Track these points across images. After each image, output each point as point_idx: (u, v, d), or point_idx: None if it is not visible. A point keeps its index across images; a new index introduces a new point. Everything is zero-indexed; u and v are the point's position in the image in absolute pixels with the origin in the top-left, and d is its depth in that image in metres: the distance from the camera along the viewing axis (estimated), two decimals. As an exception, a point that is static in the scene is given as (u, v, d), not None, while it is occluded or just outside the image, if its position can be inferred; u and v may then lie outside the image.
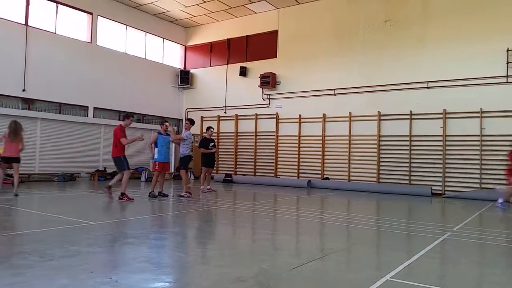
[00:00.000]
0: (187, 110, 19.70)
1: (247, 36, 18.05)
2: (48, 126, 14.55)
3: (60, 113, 15.16)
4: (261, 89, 17.16)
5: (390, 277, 3.80)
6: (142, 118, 18.28)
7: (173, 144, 12.50)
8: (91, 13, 16.08)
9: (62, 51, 15.12)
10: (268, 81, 16.66)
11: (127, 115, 9.79)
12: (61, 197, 10.45)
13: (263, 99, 17.26)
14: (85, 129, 15.70)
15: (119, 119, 17.12)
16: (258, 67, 17.32)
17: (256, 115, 17.36)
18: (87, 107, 16.04)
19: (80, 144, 15.46)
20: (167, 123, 10.54)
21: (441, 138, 13.15)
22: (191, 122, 10.97)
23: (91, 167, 15.70)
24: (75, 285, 3.40)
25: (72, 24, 15.66)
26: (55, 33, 15.01)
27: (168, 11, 17.88)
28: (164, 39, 19.25)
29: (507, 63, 12.21)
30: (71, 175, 14.81)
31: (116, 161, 9.32)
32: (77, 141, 15.37)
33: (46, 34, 14.75)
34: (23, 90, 14.00)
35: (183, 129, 11.40)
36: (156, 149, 10.24)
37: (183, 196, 10.08)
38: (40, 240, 5.04)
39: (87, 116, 16.01)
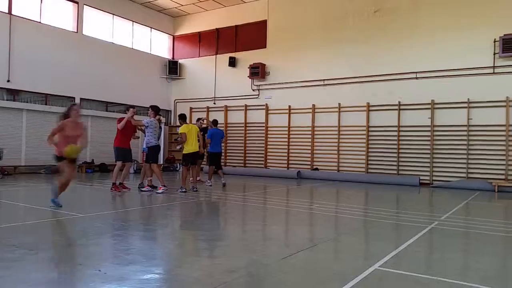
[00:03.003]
0: (176, 101, 19.53)
1: (236, 26, 17.88)
2: (34, 117, 14.28)
3: (46, 104, 14.90)
4: (250, 79, 17.07)
5: (378, 266, 3.84)
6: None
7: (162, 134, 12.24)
8: (77, 2, 15.74)
9: (47, 40, 14.80)
10: (258, 71, 16.58)
11: (127, 108, 9.91)
12: (49, 189, 10.30)
13: (253, 90, 17.19)
14: (72, 121, 15.43)
15: (106, 110, 16.97)
16: (248, 58, 17.21)
17: (246, 106, 17.30)
18: (74, 98, 15.78)
19: (67, 135, 15.22)
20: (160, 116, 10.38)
21: (429, 129, 13.28)
22: (154, 109, 9.73)
23: (79, 158, 15.47)
24: (64, 278, 3.38)
25: (58, 13, 15.32)
26: (40, 22, 14.67)
27: (156, 0, 17.62)
28: (152, 29, 18.97)
29: (494, 54, 12.33)
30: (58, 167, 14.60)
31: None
32: (64, 132, 15.12)
33: (31, 23, 14.40)
34: (8, 81, 13.70)
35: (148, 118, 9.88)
36: (145, 138, 10.14)
37: (161, 193, 9.29)
38: (28, 233, 4.99)
39: (74, 107, 15.74)
